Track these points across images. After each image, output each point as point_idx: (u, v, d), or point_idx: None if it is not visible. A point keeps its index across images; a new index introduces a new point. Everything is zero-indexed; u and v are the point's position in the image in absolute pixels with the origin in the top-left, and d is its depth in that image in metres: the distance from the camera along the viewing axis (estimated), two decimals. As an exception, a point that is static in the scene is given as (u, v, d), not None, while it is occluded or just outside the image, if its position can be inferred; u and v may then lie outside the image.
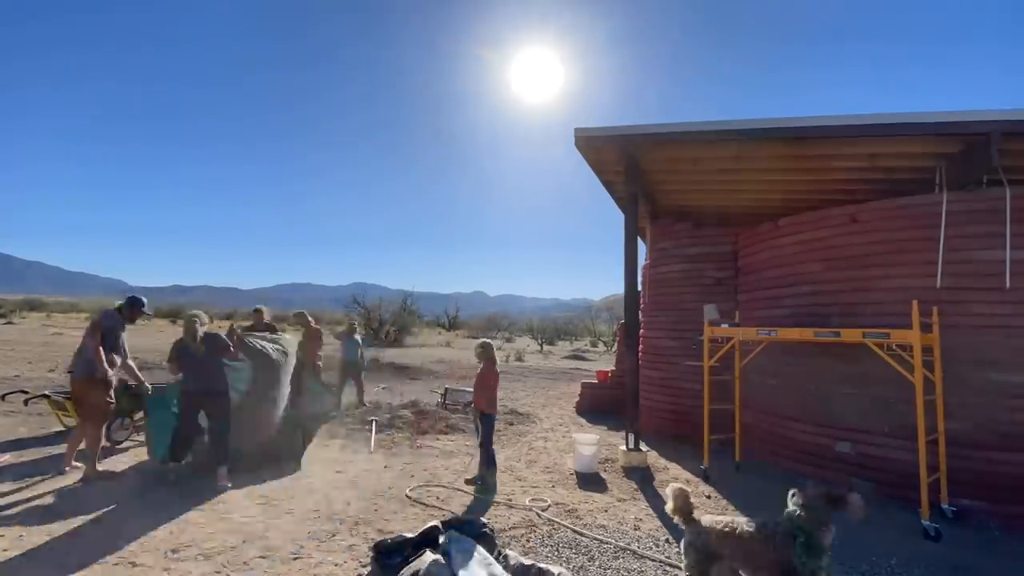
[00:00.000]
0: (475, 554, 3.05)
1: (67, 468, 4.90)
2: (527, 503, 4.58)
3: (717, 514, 4.45)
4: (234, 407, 5.00)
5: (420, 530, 3.37)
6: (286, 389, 5.66)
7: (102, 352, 4.71)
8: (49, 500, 4.22)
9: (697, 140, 6.26)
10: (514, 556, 3.23)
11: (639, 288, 8.48)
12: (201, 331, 4.87)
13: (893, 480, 4.90)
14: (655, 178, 7.77)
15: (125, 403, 6.05)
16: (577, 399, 10.24)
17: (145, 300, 5.23)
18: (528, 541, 3.78)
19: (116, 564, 3.24)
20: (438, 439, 6.94)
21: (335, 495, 4.64)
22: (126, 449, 5.83)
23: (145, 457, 5.38)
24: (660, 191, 8.45)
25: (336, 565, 3.36)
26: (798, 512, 2.59)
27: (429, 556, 3.00)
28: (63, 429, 6.27)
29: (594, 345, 35.29)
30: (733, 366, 6.05)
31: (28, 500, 4.18)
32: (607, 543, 3.80)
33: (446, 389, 9.39)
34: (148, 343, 18.28)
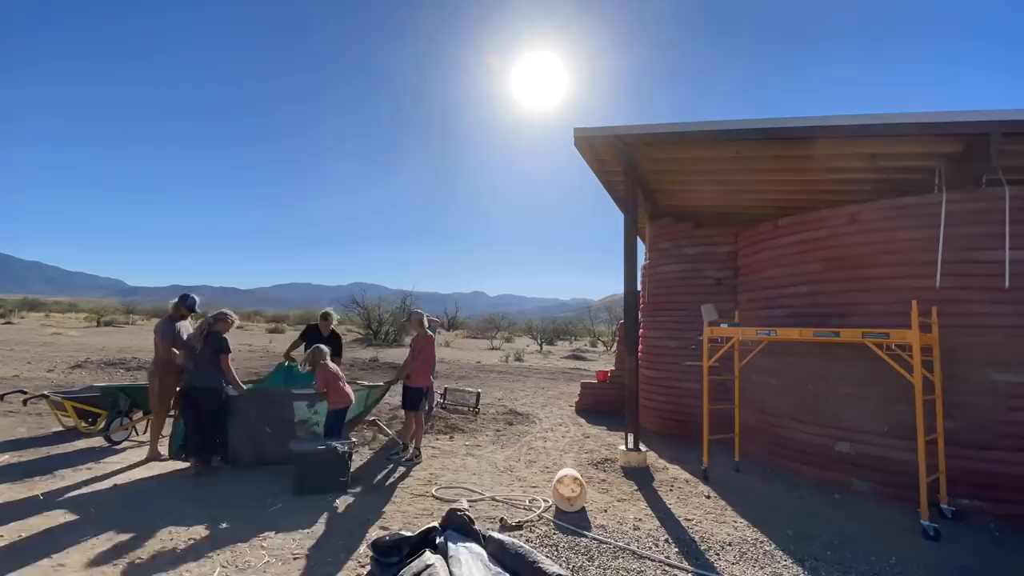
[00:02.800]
0: (474, 554, 3.04)
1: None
2: (527, 503, 4.57)
3: (716, 515, 4.46)
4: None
5: (419, 530, 3.37)
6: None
7: (170, 350, 5.43)
8: (48, 499, 4.21)
9: (696, 140, 6.26)
10: (499, 538, 3.18)
11: (639, 288, 8.47)
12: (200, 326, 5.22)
13: (892, 480, 4.90)
14: (654, 178, 7.77)
15: (123, 403, 6.05)
16: (577, 399, 10.23)
17: (195, 298, 5.85)
18: (527, 541, 3.78)
19: (115, 563, 3.23)
20: (437, 439, 6.94)
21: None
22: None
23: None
24: (659, 191, 8.45)
25: (330, 563, 3.35)
26: None
27: (428, 556, 3.00)
28: (62, 429, 6.27)
29: (593, 345, 35.28)
30: (733, 366, 6.05)
31: (27, 500, 4.17)
32: (606, 543, 3.80)
33: (445, 389, 9.39)
34: (146, 343, 18.25)
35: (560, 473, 4.67)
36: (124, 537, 3.58)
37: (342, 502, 4.49)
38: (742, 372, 6.08)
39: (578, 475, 4.56)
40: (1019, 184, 4.82)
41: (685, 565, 3.52)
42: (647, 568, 3.46)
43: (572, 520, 4.20)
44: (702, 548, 3.80)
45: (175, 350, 5.38)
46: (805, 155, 6.46)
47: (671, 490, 5.18)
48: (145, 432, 6.39)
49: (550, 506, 4.50)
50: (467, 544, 3.12)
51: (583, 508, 4.44)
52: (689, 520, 4.35)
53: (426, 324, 6.14)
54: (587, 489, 4.53)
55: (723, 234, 7.78)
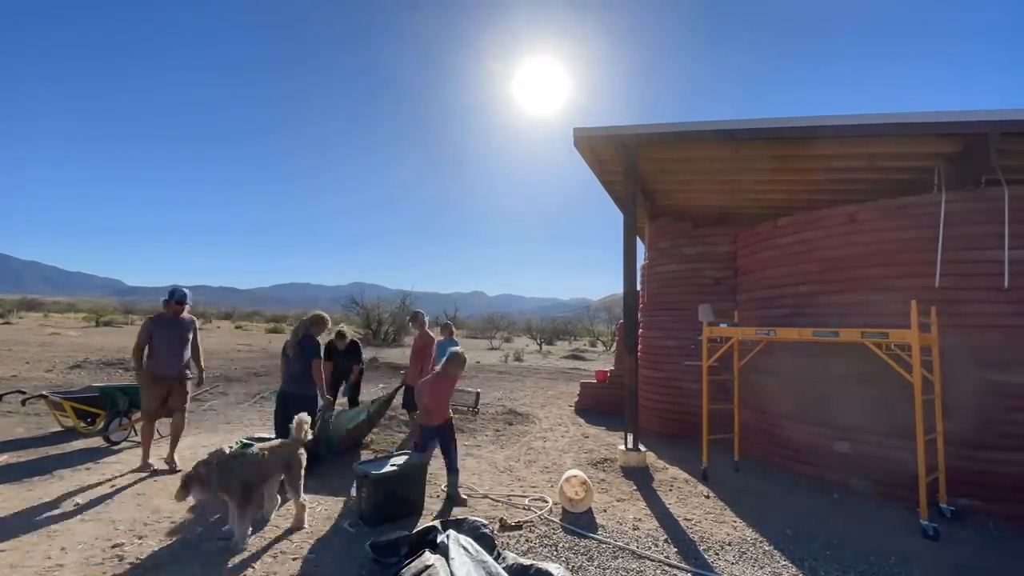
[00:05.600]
0: (473, 554, 3.04)
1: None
2: (527, 503, 4.57)
3: (715, 515, 4.47)
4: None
5: (418, 529, 3.37)
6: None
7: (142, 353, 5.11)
8: (48, 500, 4.20)
9: (695, 140, 6.27)
10: (512, 556, 3.23)
11: (638, 288, 8.48)
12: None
13: (892, 480, 4.90)
14: (654, 178, 7.78)
15: (121, 403, 6.05)
16: (576, 399, 10.23)
17: (184, 292, 5.35)
18: (527, 541, 3.78)
19: (114, 563, 3.22)
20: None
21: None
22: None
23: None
24: (659, 191, 8.46)
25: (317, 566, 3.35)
26: None
27: (428, 556, 2.99)
28: (60, 430, 6.26)
29: (593, 345, 35.31)
30: (732, 366, 6.05)
31: (27, 499, 4.16)
32: (606, 543, 3.80)
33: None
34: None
35: (569, 472, 4.65)
36: (123, 538, 3.58)
37: (343, 502, 4.48)
38: (742, 372, 6.08)
39: (586, 479, 4.53)
40: (1018, 184, 4.83)
41: (684, 565, 3.51)
42: (646, 568, 3.46)
43: (572, 520, 4.20)
44: (701, 548, 3.80)
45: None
46: (804, 155, 6.47)
47: (671, 490, 5.18)
48: (136, 434, 6.38)
49: (548, 507, 4.50)
50: (470, 546, 3.11)
51: (589, 510, 4.42)
52: (688, 520, 4.35)
53: (426, 324, 6.52)
54: (593, 493, 4.50)
55: (722, 234, 7.78)
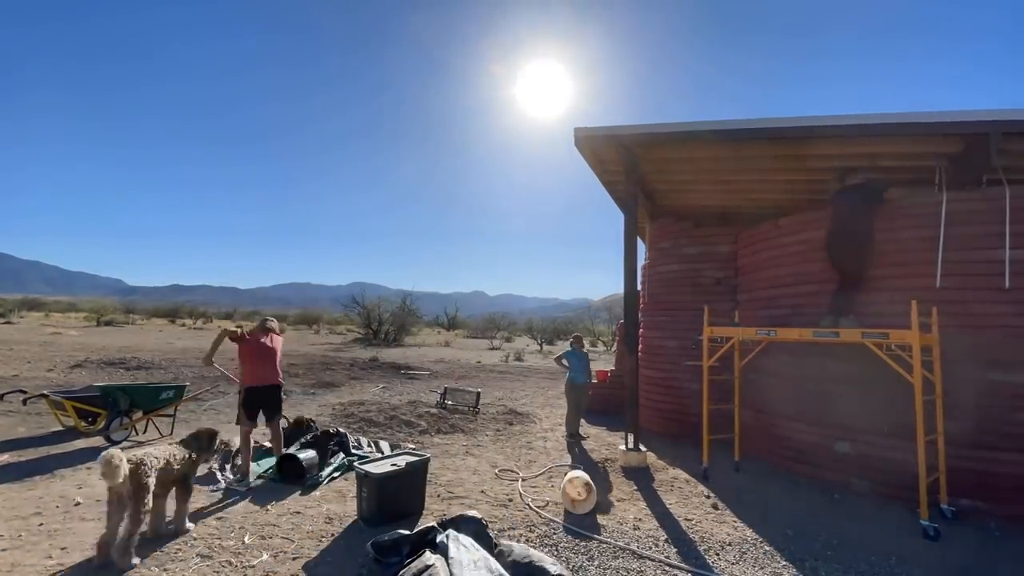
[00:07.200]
0: (473, 553, 3.04)
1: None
2: (527, 503, 4.57)
3: (716, 515, 4.46)
4: None
5: (418, 529, 3.37)
6: None
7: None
8: (49, 499, 4.21)
9: (696, 140, 6.26)
10: (511, 554, 3.22)
11: (639, 288, 8.47)
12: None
13: (892, 480, 4.89)
14: (654, 178, 7.77)
15: (122, 403, 6.06)
16: (576, 399, 10.21)
17: None
18: (528, 541, 3.78)
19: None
20: (433, 439, 6.93)
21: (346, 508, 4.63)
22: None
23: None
24: (660, 191, 8.45)
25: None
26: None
27: (428, 556, 3.00)
28: (61, 429, 6.27)
29: (593, 345, 35.29)
30: (733, 366, 6.04)
31: (27, 499, 4.17)
32: (606, 543, 3.80)
33: (445, 389, 9.39)
34: (146, 342, 18.24)
35: (571, 474, 4.64)
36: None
37: (343, 502, 4.48)
38: (742, 372, 6.08)
39: (589, 480, 4.52)
40: (1019, 184, 4.82)
41: (685, 565, 3.52)
42: (647, 568, 3.46)
43: (575, 521, 4.20)
44: (702, 548, 3.80)
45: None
46: (805, 155, 6.46)
47: (671, 490, 5.18)
48: (145, 432, 6.39)
49: (545, 505, 4.50)
50: (470, 545, 3.12)
51: (591, 511, 4.40)
52: (689, 520, 4.35)
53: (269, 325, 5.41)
54: (595, 495, 4.47)
55: (723, 234, 7.78)
